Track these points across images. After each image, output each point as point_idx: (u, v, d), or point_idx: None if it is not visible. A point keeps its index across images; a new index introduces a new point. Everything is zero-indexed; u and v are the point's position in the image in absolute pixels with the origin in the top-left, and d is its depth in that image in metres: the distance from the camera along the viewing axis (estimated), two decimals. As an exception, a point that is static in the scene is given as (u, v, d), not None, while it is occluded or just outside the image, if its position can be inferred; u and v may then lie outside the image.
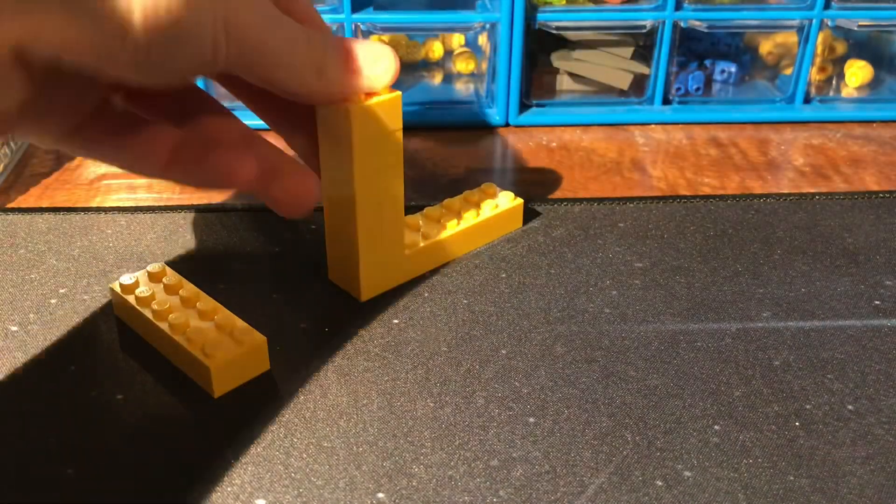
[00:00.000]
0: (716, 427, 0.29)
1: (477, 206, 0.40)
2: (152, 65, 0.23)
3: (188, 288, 0.33)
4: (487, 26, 0.51)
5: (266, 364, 0.32)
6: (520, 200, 0.40)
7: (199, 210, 0.42)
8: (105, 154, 0.30)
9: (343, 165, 0.32)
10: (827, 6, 0.51)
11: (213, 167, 0.28)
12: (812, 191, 0.45)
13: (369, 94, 0.31)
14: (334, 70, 0.29)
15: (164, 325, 0.31)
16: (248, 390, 0.31)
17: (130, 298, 0.33)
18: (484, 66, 0.53)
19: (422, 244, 0.37)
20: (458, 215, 0.39)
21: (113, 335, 0.34)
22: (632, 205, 0.43)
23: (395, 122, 0.32)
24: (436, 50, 0.57)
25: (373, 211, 0.34)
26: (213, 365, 0.30)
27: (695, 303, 0.36)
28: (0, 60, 0.21)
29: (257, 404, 0.30)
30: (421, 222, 0.38)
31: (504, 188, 0.41)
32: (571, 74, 0.53)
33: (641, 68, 0.53)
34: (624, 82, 0.53)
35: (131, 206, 0.42)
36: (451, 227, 0.38)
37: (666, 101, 0.53)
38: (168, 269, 0.34)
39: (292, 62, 0.27)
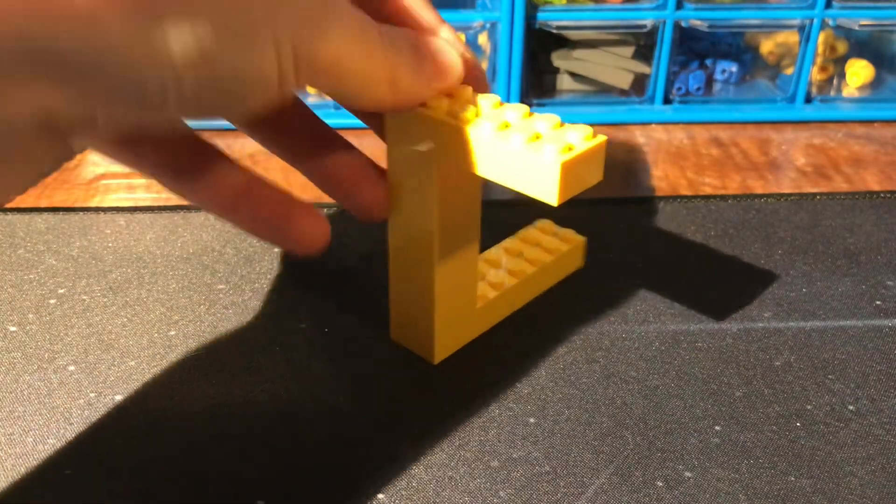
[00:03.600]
0: (717, 427, 0.29)
1: (538, 245, 0.36)
2: (205, 110, 0.20)
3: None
4: (487, 26, 0.50)
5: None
6: (582, 238, 0.37)
7: (199, 210, 0.42)
8: (156, 173, 0.27)
9: (420, 212, 0.29)
10: (828, 6, 0.51)
11: (288, 230, 0.27)
12: (813, 191, 0.45)
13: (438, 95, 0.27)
14: (408, 78, 0.25)
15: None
16: (247, 389, 0.31)
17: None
18: (484, 65, 0.53)
19: (492, 295, 0.33)
20: (522, 259, 0.35)
21: (113, 335, 0.33)
22: (632, 205, 0.43)
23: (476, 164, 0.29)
24: (436, 49, 0.57)
25: (451, 263, 0.30)
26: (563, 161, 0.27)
27: (695, 303, 0.36)
28: (20, 131, 0.18)
29: (257, 405, 0.30)
30: (485, 269, 0.34)
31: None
32: (572, 74, 0.53)
33: (642, 68, 0.52)
34: (625, 82, 0.53)
35: (130, 206, 0.42)
36: (520, 274, 0.34)
37: (667, 101, 0.53)
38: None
39: (366, 76, 0.24)
